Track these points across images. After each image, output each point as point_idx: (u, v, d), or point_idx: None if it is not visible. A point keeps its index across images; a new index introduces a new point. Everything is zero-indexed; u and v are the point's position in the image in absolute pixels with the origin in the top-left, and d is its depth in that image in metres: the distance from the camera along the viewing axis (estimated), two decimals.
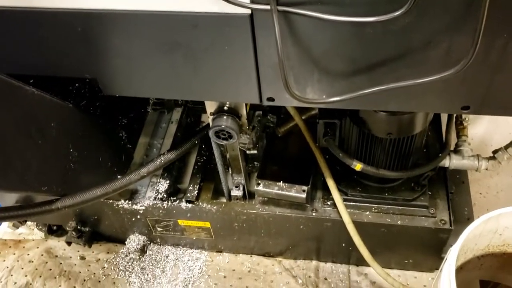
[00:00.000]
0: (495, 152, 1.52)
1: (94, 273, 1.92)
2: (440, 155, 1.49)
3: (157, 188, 1.70)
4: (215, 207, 1.65)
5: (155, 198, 1.69)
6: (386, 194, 1.56)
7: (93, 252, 1.98)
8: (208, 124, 1.44)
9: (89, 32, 1.04)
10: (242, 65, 1.05)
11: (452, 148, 1.59)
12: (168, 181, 1.72)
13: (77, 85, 1.24)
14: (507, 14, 0.86)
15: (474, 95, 1.03)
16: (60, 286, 1.90)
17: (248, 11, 0.92)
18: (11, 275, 1.93)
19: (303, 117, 1.56)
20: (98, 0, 0.97)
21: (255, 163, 1.76)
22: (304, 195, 1.51)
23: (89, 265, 1.95)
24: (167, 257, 1.92)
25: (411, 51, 0.95)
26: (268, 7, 0.88)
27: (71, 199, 1.26)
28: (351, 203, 1.57)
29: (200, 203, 1.67)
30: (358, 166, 1.41)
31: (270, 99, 1.13)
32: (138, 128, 1.84)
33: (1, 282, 1.90)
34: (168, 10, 0.96)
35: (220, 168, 1.58)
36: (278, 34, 0.91)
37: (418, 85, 0.96)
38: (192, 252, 1.92)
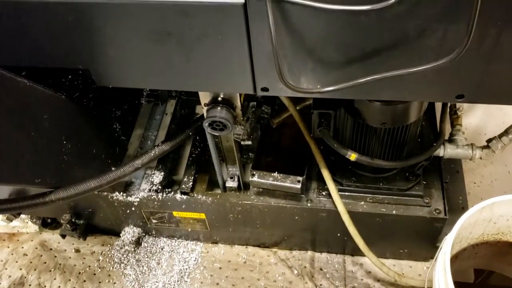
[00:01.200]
0: (489, 141, 1.52)
1: (89, 266, 1.92)
2: (435, 144, 1.50)
3: (152, 180, 1.70)
4: (210, 199, 1.65)
5: (149, 190, 1.69)
6: (381, 184, 1.56)
7: (88, 244, 1.98)
8: (203, 115, 1.43)
9: (80, 23, 1.03)
10: (236, 54, 1.04)
11: (446, 137, 1.59)
12: (162, 173, 1.71)
13: (70, 76, 1.23)
14: (501, 1, 0.85)
15: (469, 83, 1.03)
16: (55, 279, 1.89)
17: (242, 0, 0.91)
18: (6, 269, 1.92)
19: (297, 108, 1.56)
20: None
21: (250, 154, 1.76)
22: (299, 186, 1.51)
23: (84, 258, 1.95)
24: (162, 249, 1.91)
25: (405, 40, 0.94)
26: None
27: (65, 191, 1.26)
28: (346, 193, 1.57)
29: (195, 195, 1.67)
30: (353, 156, 1.40)
31: (264, 89, 1.13)
32: (132, 120, 1.83)
33: None
34: None
35: (214, 159, 1.58)
36: (272, 24, 0.90)
37: (412, 74, 0.96)
38: (187, 244, 1.92)
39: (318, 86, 1.08)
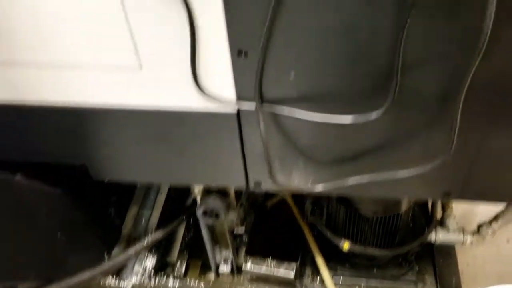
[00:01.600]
0: (480, 226, 1.53)
1: None
2: (426, 230, 1.51)
3: (145, 264, 1.68)
4: (203, 284, 1.63)
5: (142, 275, 1.67)
6: (375, 271, 1.56)
7: None
8: (196, 200, 1.45)
9: (77, 126, 1.07)
10: (229, 153, 1.08)
11: (437, 219, 1.61)
12: (155, 256, 1.70)
13: (66, 171, 1.25)
14: (483, 106, 0.89)
15: (455, 183, 1.05)
16: None
17: (235, 110, 0.95)
18: None
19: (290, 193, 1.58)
20: (86, 97, 1.00)
21: (244, 236, 1.76)
22: (292, 274, 1.50)
23: None
24: None
25: (391, 144, 0.98)
26: (253, 108, 0.91)
27: (58, 286, 1.25)
28: (340, 280, 1.57)
29: (188, 279, 1.65)
30: (346, 245, 1.41)
31: (257, 183, 1.15)
32: (127, 202, 1.84)
33: None
34: (154, 106, 0.99)
35: (207, 244, 1.57)
36: (263, 130, 0.95)
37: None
38: None
39: (310, 181, 1.11)
